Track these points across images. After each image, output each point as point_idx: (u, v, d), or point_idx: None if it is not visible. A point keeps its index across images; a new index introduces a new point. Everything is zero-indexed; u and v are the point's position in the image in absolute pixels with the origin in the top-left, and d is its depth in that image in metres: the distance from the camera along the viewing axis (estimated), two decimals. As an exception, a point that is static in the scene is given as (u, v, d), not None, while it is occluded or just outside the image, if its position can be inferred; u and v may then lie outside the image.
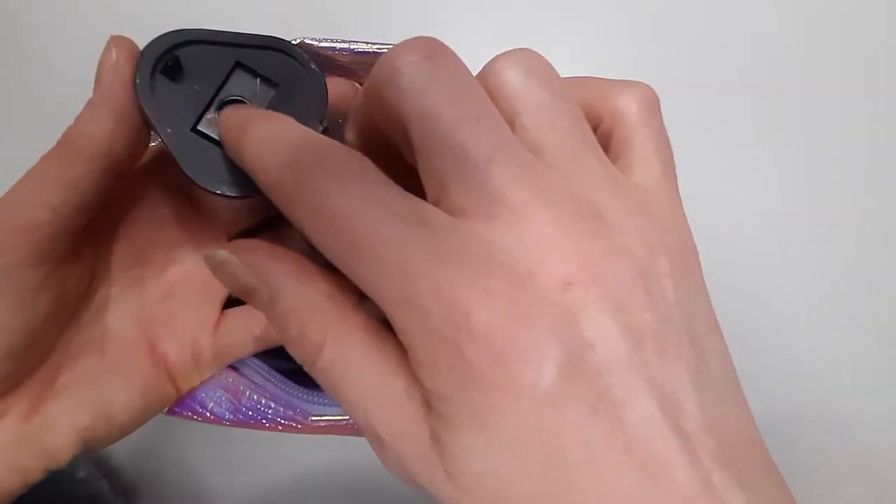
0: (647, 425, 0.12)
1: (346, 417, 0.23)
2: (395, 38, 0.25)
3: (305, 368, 0.15)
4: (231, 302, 0.25)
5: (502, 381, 0.12)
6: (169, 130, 0.18)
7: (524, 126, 0.14)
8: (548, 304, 0.12)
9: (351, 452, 0.41)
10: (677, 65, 0.41)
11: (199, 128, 0.18)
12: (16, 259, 0.18)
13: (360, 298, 0.14)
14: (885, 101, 0.41)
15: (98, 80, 0.18)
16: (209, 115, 0.18)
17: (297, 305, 0.15)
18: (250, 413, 0.24)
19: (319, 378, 0.15)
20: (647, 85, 0.15)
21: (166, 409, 0.24)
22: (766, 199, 0.41)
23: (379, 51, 0.25)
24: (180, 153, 0.18)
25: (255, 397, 0.24)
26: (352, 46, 0.25)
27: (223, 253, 0.15)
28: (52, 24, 0.40)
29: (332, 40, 0.25)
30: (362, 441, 0.42)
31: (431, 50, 0.14)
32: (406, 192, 0.13)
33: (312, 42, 0.25)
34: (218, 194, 0.18)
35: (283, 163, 0.14)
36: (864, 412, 0.40)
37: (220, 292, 0.24)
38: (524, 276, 0.12)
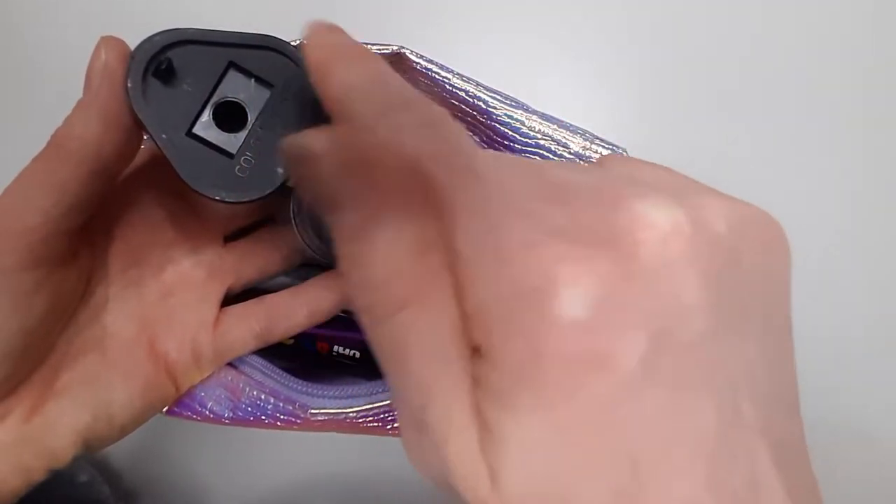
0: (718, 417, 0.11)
1: (345, 411, 0.23)
2: (395, 40, 0.25)
3: (369, 321, 0.13)
4: (229, 300, 0.25)
5: (587, 357, 0.11)
6: (164, 136, 0.18)
7: None
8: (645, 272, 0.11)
9: (350, 454, 0.41)
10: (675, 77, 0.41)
11: (194, 131, 0.18)
12: (9, 263, 0.18)
13: None
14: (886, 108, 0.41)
15: (87, 82, 0.18)
16: (204, 119, 0.18)
17: (394, 250, 0.13)
18: (249, 409, 0.24)
19: (384, 336, 0.13)
20: None
21: (166, 409, 0.24)
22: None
23: (379, 52, 0.25)
24: (176, 158, 0.18)
25: (255, 393, 0.24)
26: (351, 47, 0.25)
27: (317, 137, 0.13)
28: (48, 22, 0.40)
29: (331, 42, 0.25)
30: (360, 441, 0.42)
31: None
32: None
33: (312, 43, 0.25)
34: (216, 200, 0.18)
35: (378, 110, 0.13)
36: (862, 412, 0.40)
37: (218, 291, 0.24)
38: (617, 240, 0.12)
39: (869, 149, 0.41)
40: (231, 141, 0.18)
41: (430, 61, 0.25)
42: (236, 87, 0.18)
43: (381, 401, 0.23)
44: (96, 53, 0.18)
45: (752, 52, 0.41)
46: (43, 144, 0.18)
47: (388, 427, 0.23)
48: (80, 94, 0.18)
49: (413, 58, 0.25)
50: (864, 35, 0.41)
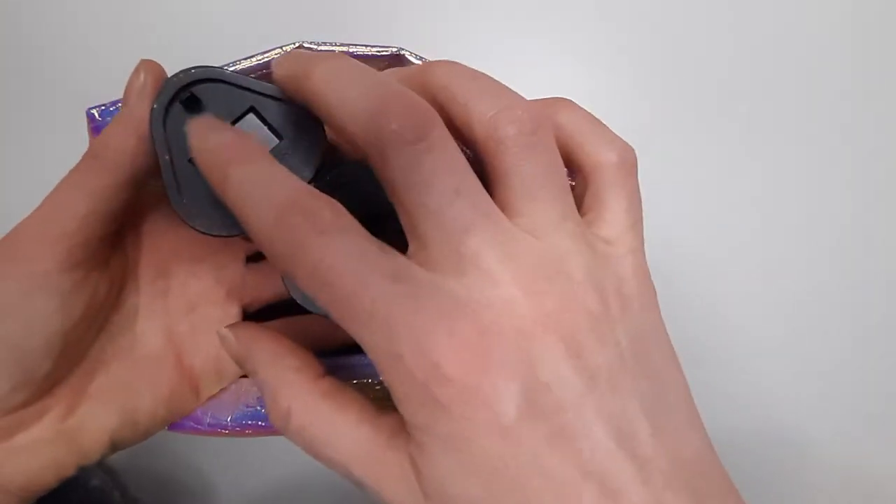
0: (602, 454, 0.14)
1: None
2: (394, 41, 0.25)
3: (283, 435, 0.18)
4: (247, 315, 0.25)
5: (470, 417, 0.14)
6: (167, 157, 0.19)
7: (512, 187, 0.16)
8: (509, 352, 0.14)
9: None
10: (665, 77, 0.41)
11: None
12: (52, 265, 0.19)
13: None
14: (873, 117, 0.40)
15: (125, 99, 0.20)
16: None
17: (268, 378, 0.18)
18: (247, 407, 0.24)
19: (295, 442, 0.18)
20: (627, 144, 0.17)
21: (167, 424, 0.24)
22: (718, 212, 0.40)
23: (378, 54, 0.26)
24: (170, 180, 0.19)
25: (254, 388, 0.24)
26: (350, 49, 0.26)
27: (224, 330, 0.20)
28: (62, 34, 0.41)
29: (331, 43, 0.26)
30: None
31: (422, 125, 0.15)
32: (386, 247, 0.15)
33: (311, 46, 0.25)
34: (189, 225, 0.19)
35: (272, 217, 0.15)
36: (815, 427, 0.40)
37: (237, 309, 0.25)
38: (489, 326, 0.14)
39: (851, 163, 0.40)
40: None
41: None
42: (250, 131, 0.19)
43: (368, 376, 0.23)
44: (135, 75, 0.19)
45: (743, 36, 0.41)
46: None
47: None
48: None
49: (412, 59, 0.25)
50: (867, 27, 0.41)
